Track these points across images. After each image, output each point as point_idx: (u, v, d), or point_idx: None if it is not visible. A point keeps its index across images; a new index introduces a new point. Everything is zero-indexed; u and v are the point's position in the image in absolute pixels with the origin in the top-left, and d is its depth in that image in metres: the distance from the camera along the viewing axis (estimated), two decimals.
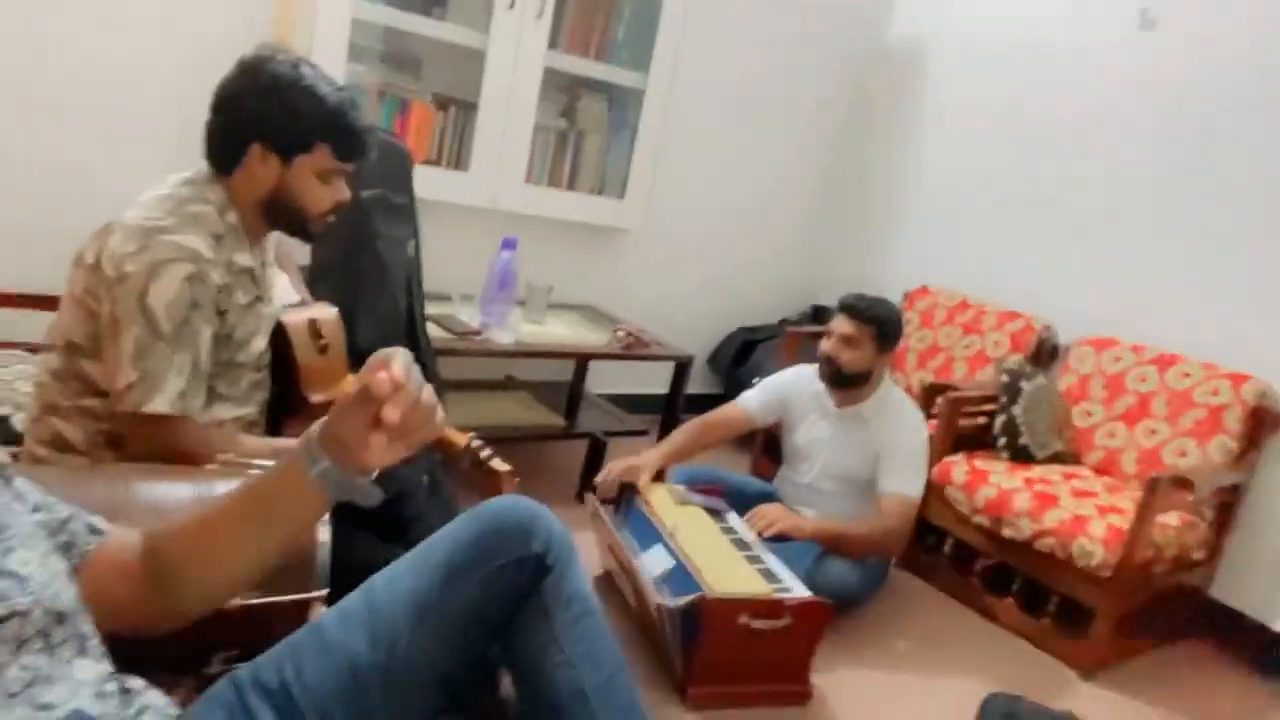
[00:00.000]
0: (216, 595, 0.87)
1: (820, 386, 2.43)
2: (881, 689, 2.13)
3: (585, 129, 3.23)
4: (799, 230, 4.01)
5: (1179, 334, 2.81)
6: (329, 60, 2.48)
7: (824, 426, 2.44)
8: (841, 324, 2.32)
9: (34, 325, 1.64)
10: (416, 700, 0.95)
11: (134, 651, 0.93)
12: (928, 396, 2.85)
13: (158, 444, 1.32)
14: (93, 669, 0.70)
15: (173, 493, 1.22)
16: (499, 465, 1.34)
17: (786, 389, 2.54)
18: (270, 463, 1.13)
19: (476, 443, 1.36)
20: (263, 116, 1.36)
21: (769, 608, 1.88)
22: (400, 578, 0.98)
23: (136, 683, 0.76)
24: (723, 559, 2.03)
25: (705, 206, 3.68)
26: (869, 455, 2.34)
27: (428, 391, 0.79)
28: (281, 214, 1.43)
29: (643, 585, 1.93)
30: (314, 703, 0.89)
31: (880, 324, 2.31)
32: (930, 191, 3.71)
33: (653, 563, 2.05)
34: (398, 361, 0.77)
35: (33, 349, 1.69)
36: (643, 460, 2.35)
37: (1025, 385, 2.82)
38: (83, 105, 2.37)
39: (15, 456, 1.47)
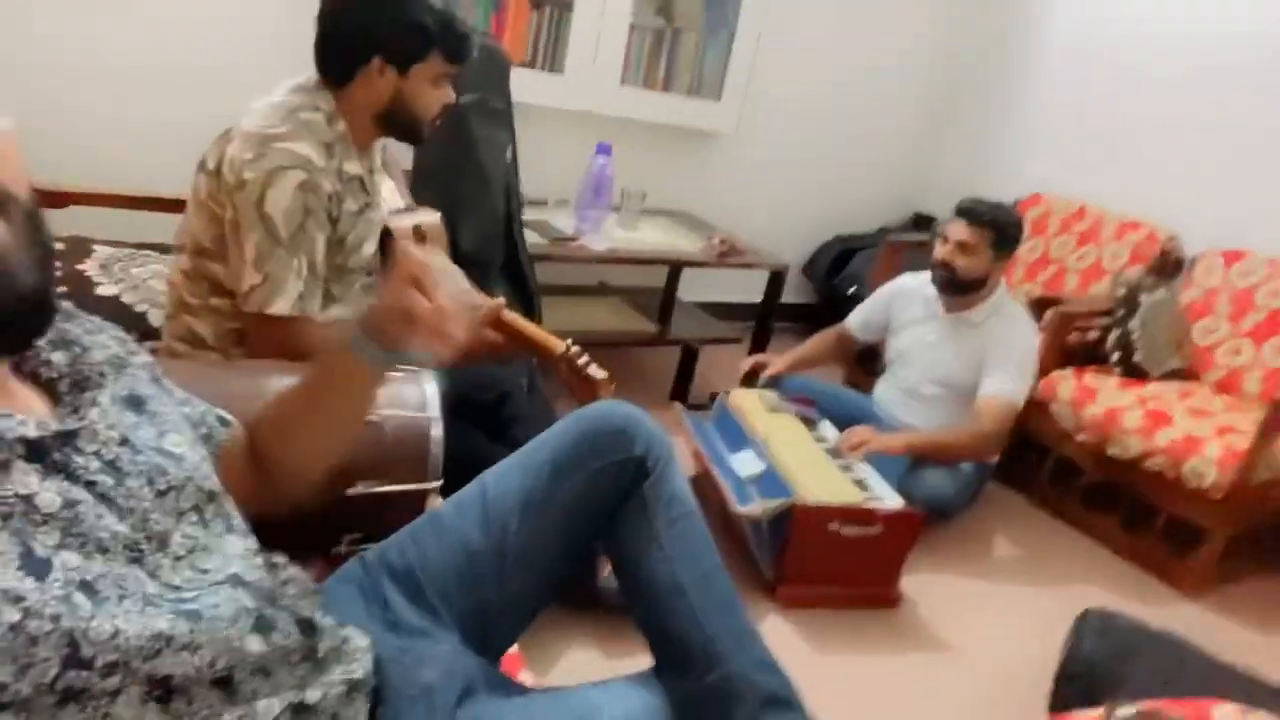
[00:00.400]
0: (305, 470, 0.93)
1: (931, 291, 2.39)
2: (972, 598, 2.14)
3: (682, 27, 3.13)
4: (902, 135, 3.82)
5: None
6: None
7: (931, 329, 2.40)
8: (957, 228, 2.26)
9: (164, 226, 1.73)
10: (526, 586, 1.00)
11: (270, 533, 1.02)
12: (1036, 310, 2.72)
13: (280, 342, 1.40)
14: (240, 544, 0.77)
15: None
16: (596, 372, 1.37)
17: (894, 295, 2.52)
18: None
19: (574, 349, 1.39)
20: (378, 30, 1.37)
21: (860, 515, 1.89)
22: (510, 474, 1.03)
23: (280, 558, 0.84)
24: (815, 466, 2.04)
25: (803, 110, 3.54)
26: (974, 361, 2.29)
27: (462, 290, 0.84)
28: (397, 122, 1.46)
29: (724, 492, 1.96)
30: (434, 584, 0.96)
31: (999, 228, 2.24)
32: (1046, 91, 3.46)
33: (743, 465, 2.07)
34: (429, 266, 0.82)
35: (164, 249, 1.79)
36: (777, 360, 2.52)
37: (1144, 298, 2.67)
38: (197, 8, 2.42)
39: (154, 351, 1.59)
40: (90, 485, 0.65)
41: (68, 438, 0.65)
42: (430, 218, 1.64)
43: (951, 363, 2.34)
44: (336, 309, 1.52)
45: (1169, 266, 2.90)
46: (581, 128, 2.97)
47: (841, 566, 1.95)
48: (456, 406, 1.75)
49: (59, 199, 1.89)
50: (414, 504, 1.22)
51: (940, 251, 2.29)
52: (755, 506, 1.87)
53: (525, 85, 2.68)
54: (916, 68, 3.73)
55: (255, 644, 0.69)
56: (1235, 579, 2.41)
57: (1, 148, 0.62)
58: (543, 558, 1.01)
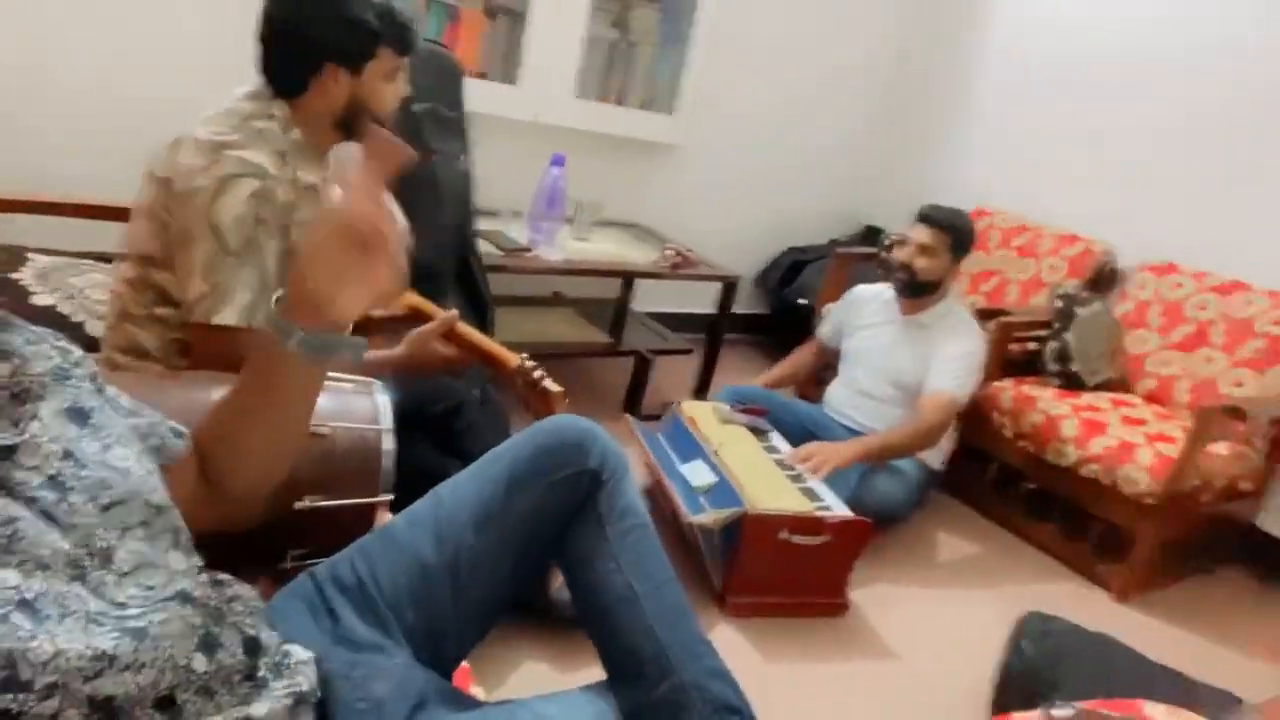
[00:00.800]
0: (252, 481, 0.90)
1: (890, 294, 2.51)
2: (918, 604, 2.19)
3: (637, 40, 3.16)
4: (852, 149, 3.91)
5: (1243, 262, 2.72)
6: None
7: (885, 331, 2.50)
8: (919, 232, 2.40)
9: (107, 235, 1.69)
10: (479, 600, 1.01)
11: (215, 549, 1.00)
12: (979, 320, 2.81)
13: (225, 354, 1.37)
14: (185, 560, 0.76)
15: None
16: (551, 386, 1.38)
17: (851, 300, 2.64)
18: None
19: (529, 363, 1.40)
20: (323, 36, 1.35)
21: (810, 524, 1.92)
22: (464, 488, 1.03)
23: (225, 575, 0.83)
24: (765, 476, 2.07)
25: (755, 123, 3.60)
26: (924, 362, 2.39)
27: (386, 208, 0.78)
28: (357, 124, 1.44)
29: (675, 501, 1.98)
30: (386, 598, 0.96)
31: (957, 232, 2.39)
32: (989, 110, 3.58)
33: (695, 476, 2.10)
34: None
35: (106, 258, 1.75)
36: (760, 378, 2.68)
37: (1080, 311, 2.77)
38: (143, 18, 2.37)
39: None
40: (31, 501, 0.64)
41: (6, 453, 0.64)
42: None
43: (904, 364, 2.43)
44: None
45: (1104, 279, 3.01)
46: (535, 139, 2.98)
47: (790, 575, 1.98)
48: (407, 418, 1.74)
49: None
50: (364, 519, 1.21)
51: (901, 254, 2.42)
52: (706, 516, 1.89)
53: (479, 95, 2.67)
54: (865, 84, 3.83)
55: (200, 663, 0.69)
56: (1168, 583, 2.51)
57: None
58: (497, 572, 1.01)
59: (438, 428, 1.85)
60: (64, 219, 1.94)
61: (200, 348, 1.40)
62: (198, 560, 0.80)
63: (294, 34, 1.36)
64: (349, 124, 1.44)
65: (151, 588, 0.69)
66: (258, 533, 1.02)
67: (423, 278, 2.14)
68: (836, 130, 3.84)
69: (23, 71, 2.25)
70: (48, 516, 0.64)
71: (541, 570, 1.12)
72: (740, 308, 3.32)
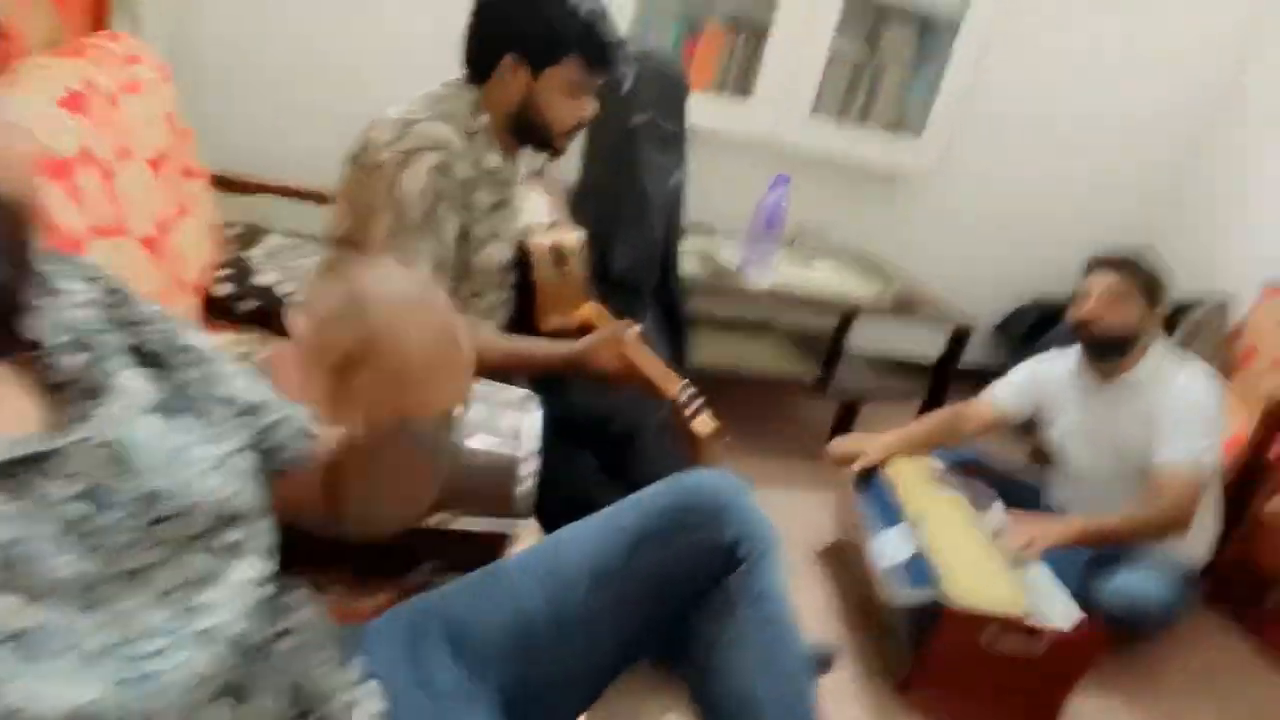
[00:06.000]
0: (366, 517, 0.80)
1: (1074, 364, 2.08)
2: None
3: (887, 61, 2.93)
4: (1137, 190, 3.37)
5: None
6: None
7: (1088, 408, 2.06)
8: (1101, 280, 1.97)
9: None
10: (581, 663, 0.88)
11: (340, 553, 0.95)
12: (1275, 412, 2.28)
13: None
14: (248, 572, 0.69)
15: None
16: (702, 425, 1.22)
17: (1039, 377, 2.18)
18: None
19: (685, 394, 1.25)
20: (514, 26, 1.32)
21: (1022, 629, 1.61)
22: (588, 534, 0.91)
23: (296, 596, 0.75)
24: (975, 560, 1.77)
25: (1017, 155, 3.21)
26: (1143, 425, 1.93)
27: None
28: (527, 127, 1.39)
29: (872, 569, 1.74)
30: (481, 644, 0.85)
31: (1148, 274, 1.94)
32: None
33: (889, 544, 1.84)
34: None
35: None
36: (874, 443, 2.13)
37: None
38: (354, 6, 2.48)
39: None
40: (51, 517, 0.56)
41: (34, 461, 0.56)
42: (570, 236, 1.56)
43: (1121, 439, 1.99)
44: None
45: None
46: (760, 157, 2.83)
47: (991, 683, 1.67)
48: (580, 435, 1.66)
49: (243, 186, 2.00)
50: (495, 542, 1.14)
51: (1083, 310, 1.99)
52: (897, 595, 1.64)
53: (708, 110, 2.58)
54: (1177, 124, 3.27)
55: (223, 714, 0.60)
56: None
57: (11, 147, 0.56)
58: (605, 635, 0.87)
59: (611, 450, 1.75)
60: (305, 203, 2.08)
61: None
62: (268, 571, 0.72)
63: (489, 17, 1.34)
64: (523, 128, 1.39)
65: (191, 609, 0.62)
66: (392, 543, 0.97)
67: (620, 291, 2.08)
68: (1119, 166, 3.32)
69: (289, 65, 2.46)
70: (67, 535, 0.56)
71: (659, 646, 0.97)
72: (974, 358, 2.96)
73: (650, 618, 0.88)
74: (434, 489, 0.78)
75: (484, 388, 1.23)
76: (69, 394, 0.61)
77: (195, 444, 0.68)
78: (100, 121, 1.31)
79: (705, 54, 2.78)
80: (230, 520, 0.68)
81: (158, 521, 0.61)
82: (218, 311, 1.71)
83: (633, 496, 0.94)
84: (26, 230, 0.57)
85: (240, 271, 1.77)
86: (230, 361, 0.77)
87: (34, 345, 0.61)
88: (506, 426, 1.15)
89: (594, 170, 2.11)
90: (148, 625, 0.58)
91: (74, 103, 1.24)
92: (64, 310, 0.64)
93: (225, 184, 1.97)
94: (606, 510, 0.94)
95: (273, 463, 0.77)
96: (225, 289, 1.73)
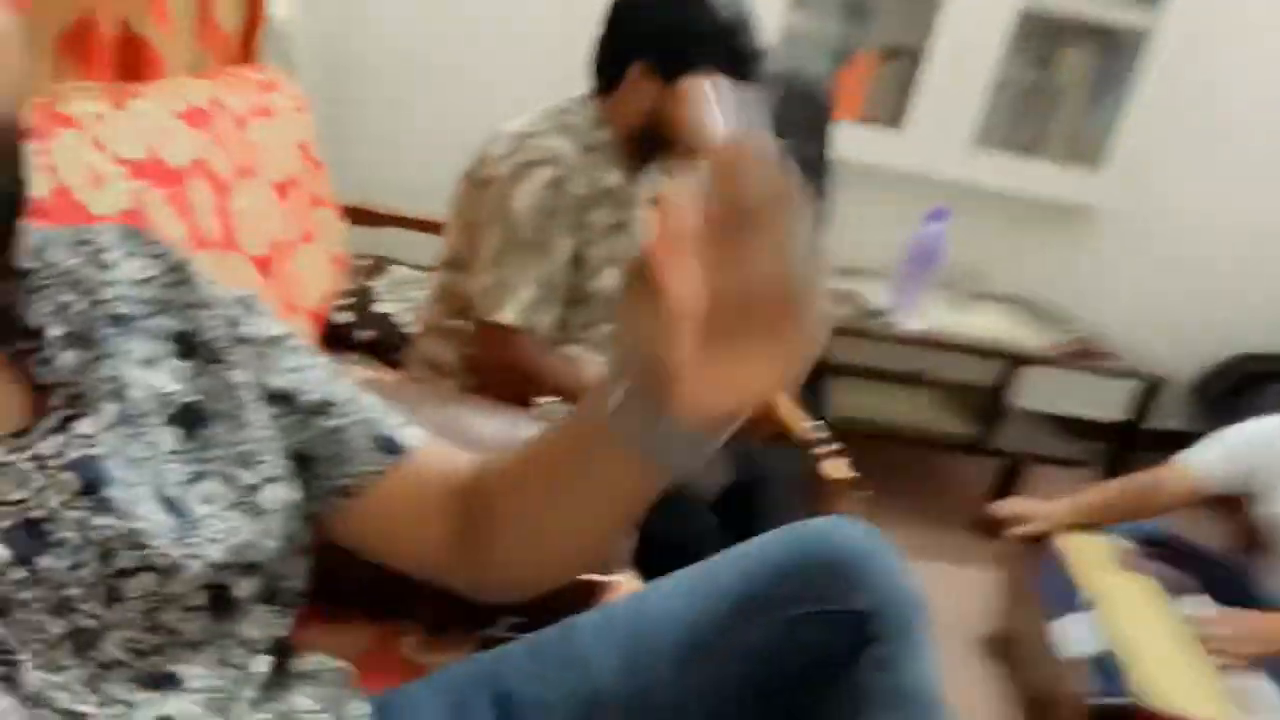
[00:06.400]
0: (530, 566, 0.63)
1: None
2: None
3: (1063, 85, 2.66)
4: None
5: None
6: (766, 6, 2.30)
7: None
8: None
9: None
10: None
11: (423, 597, 0.82)
12: None
13: (497, 357, 1.26)
14: (259, 630, 0.57)
15: (506, 431, 1.14)
16: (835, 470, 1.03)
17: (1255, 441, 1.76)
18: None
19: (816, 434, 1.07)
20: (647, 31, 1.23)
21: None
22: (677, 596, 0.73)
23: (308, 661, 0.62)
24: (1173, 658, 1.45)
25: (1216, 190, 2.81)
26: None
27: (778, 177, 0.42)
28: (655, 143, 1.28)
29: (1053, 663, 1.45)
30: None
31: None
32: None
33: (1068, 635, 1.55)
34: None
35: None
36: (1045, 510, 1.81)
37: None
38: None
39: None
40: None
41: None
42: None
43: None
44: (571, 349, 1.36)
45: None
46: (914, 191, 2.61)
47: None
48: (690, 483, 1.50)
49: (375, 218, 2.00)
50: (587, 595, 1.00)
51: None
52: (1086, 695, 1.36)
53: (857, 141, 2.41)
54: None
55: None
56: None
57: None
58: None
59: (731, 501, 1.58)
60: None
61: (481, 352, 1.31)
62: (283, 628, 0.59)
63: (621, 21, 1.25)
64: (649, 141, 1.28)
65: (156, 685, 0.49)
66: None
67: None
68: None
69: (439, 103, 2.49)
70: None
71: None
72: (1164, 420, 2.57)
73: (751, 709, 0.69)
74: (627, 528, 0.60)
75: None
76: (54, 398, 0.51)
77: (209, 474, 0.56)
78: (221, 139, 1.30)
79: (856, 83, 2.62)
80: (244, 570, 0.55)
81: (122, 574, 0.49)
82: (335, 340, 1.69)
83: (739, 547, 0.75)
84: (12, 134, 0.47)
85: (361, 301, 1.75)
86: (311, 352, 0.65)
87: (34, 335, 0.52)
88: None
89: None
90: (82, 707, 0.46)
91: (194, 117, 1.24)
92: (97, 289, 0.55)
93: (359, 215, 1.97)
94: (706, 563, 0.76)
95: (330, 483, 0.62)
96: (344, 317, 1.71)
